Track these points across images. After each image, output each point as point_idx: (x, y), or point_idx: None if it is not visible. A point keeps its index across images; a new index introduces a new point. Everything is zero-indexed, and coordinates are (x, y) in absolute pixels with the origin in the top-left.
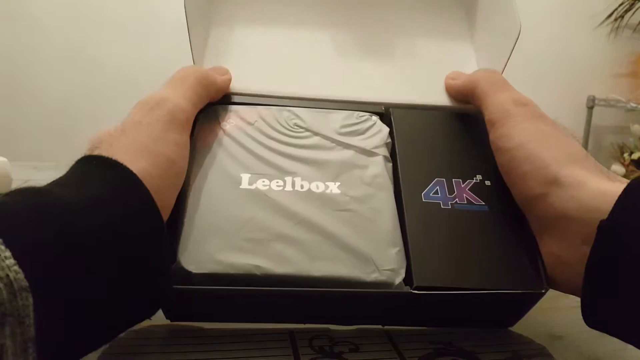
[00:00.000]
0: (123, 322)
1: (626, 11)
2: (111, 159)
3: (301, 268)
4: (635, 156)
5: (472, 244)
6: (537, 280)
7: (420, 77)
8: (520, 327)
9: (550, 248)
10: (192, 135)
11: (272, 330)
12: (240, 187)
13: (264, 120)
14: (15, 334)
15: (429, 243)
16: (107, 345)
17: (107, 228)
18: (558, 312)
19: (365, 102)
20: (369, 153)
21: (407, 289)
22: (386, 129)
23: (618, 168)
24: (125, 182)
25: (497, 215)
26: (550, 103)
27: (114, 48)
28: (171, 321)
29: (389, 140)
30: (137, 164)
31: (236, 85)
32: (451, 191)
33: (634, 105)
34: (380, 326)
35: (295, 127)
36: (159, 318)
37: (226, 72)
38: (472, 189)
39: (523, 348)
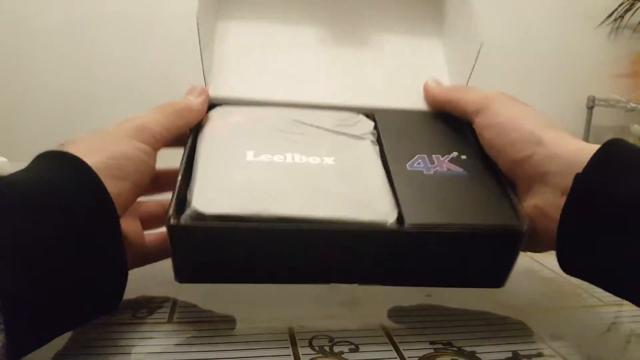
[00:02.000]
0: (84, 311)
1: (626, 11)
2: (62, 152)
3: (304, 211)
4: None
5: (455, 195)
6: (518, 219)
7: (399, 82)
8: (521, 327)
9: (534, 201)
10: (195, 135)
11: (272, 330)
12: (246, 159)
13: (265, 116)
14: None
15: (416, 195)
16: (107, 345)
17: (51, 204)
18: (558, 312)
19: (351, 107)
20: (359, 138)
21: (400, 227)
22: (372, 123)
23: None
24: (71, 165)
25: (475, 178)
26: (550, 103)
27: (114, 49)
28: (180, 282)
29: (375, 131)
30: (91, 158)
31: (229, 94)
32: (432, 162)
33: (634, 105)
34: (379, 326)
35: (293, 121)
36: (159, 318)
37: (202, 91)
38: (451, 161)
39: (523, 348)
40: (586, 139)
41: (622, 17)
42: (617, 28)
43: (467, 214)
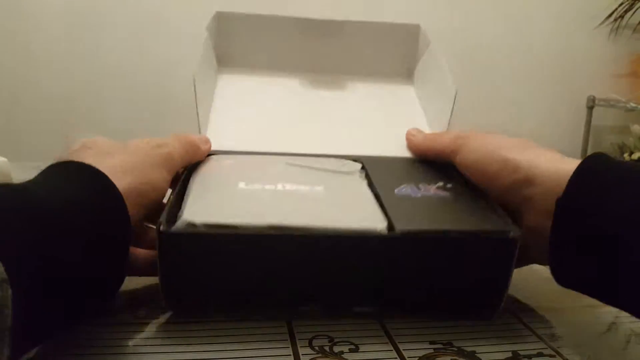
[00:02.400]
0: (87, 307)
1: (626, 11)
2: (96, 170)
3: (297, 220)
4: (635, 156)
5: (445, 210)
6: (510, 225)
7: (383, 131)
8: (521, 327)
9: (525, 223)
10: (189, 171)
11: (272, 330)
12: (238, 187)
13: (257, 160)
14: None
15: (406, 211)
16: (107, 345)
17: (80, 224)
18: (558, 312)
19: (340, 156)
20: (347, 173)
21: (391, 233)
22: (359, 165)
23: None
24: (97, 182)
25: (463, 199)
26: (550, 103)
27: (115, 49)
28: (170, 309)
29: (363, 171)
30: (122, 180)
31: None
32: (419, 189)
33: (634, 105)
34: (379, 326)
35: (285, 163)
36: (159, 318)
37: (207, 141)
38: (437, 189)
39: (523, 348)
40: (586, 139)
41: (622, 17)
42: (617, 28)
43: (458, 222)
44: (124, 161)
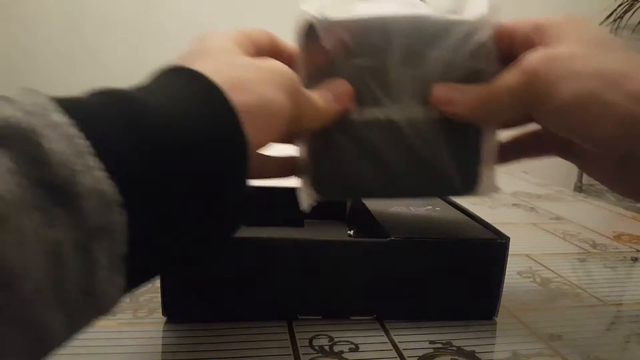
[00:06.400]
0: (206, 238)
1: (625, 12)
2: (214, 87)
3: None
4: None
5: (438, 223)
6: (498, 234)
7: None
8: (521, 327)
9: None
10: None
11: (272, 330)
12: None
13: None
14: (108, 249)
15: (399, 222)
16: (107, 345)
17: (192, 145)
18: (558, 312)
19: None
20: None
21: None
22: None
23: None
24: (213, 100)
25: (453, 215)
26: None
27: (114, 48)
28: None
29: None
30: (209, 64)
31: None
32: (410, 210)
33: None
34: (379, 326)
35: None
36: (159, 318)
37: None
38: (426, 210)
39: (523, 348)
40: None
41: (621, 17)
42: (617, 28)
43: (451, 231)
44: (235, 79)
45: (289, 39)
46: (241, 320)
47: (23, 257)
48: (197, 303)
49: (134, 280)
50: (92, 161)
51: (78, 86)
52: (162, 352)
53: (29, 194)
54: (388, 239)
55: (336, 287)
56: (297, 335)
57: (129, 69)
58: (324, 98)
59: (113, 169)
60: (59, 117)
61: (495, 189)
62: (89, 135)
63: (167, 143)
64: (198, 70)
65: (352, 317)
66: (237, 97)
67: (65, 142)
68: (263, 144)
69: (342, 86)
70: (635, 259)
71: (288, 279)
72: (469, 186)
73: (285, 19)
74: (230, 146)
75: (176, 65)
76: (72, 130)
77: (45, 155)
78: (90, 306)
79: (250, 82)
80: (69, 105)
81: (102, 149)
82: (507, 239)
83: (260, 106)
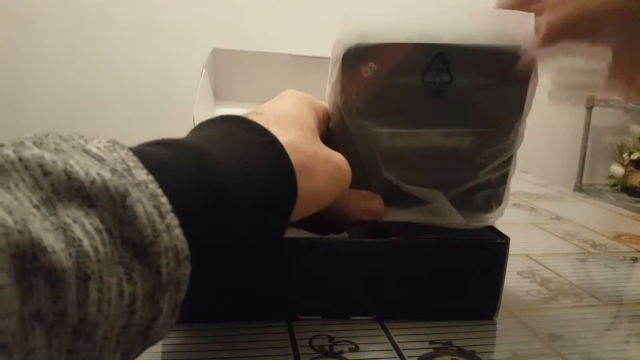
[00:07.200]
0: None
1: None
2: (260, 125)
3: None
4: (634, 156)
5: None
6: (499, 235)
7: None
8: (521, 327)
9: None
10: None
11: (272, 329)
12: None
13: None
14: (172, 299)
15: (403, 225)
16: None
17: (255, 201)
18: (558, 312)
19: None
20: None
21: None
22: None
23: (617, 168)
24: (272, 152)
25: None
26: (549, 103)
27: (115, 48)
28: None
29: None
30: (286, 135)
31: None
32: None
33: (633, 105)
34: (379, 326)
35: None
36: None
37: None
38: None
39: (523, 348)
40: (585, 139)
41: None
42: None
43: (449, 231)
44: (296, 141)
45: (289, 38)
46: (241, 320)
47: (104, 311)
48: (197, 303)
49: (181, 316)
50: (172, 219)
51: (78, 86)
52: (162, 352)
53: (116, 252)
54: (388, 239)
55: (336, 287)
56: (297, 336)
57: (129, 68)
58: (361, 208)
59: (187, 223)
60: (143, 176)
61: (501, 214)
62: (167, 191)
63: (233, 202)
64: (281, 143)
65: (352, 317)
66: (301, 183)
67: (151, 202)
68: (297, 218)
69: (377, 203)
70: (635, 259)
71: (288, 279)
72: (487, 208)
73: (286, 19)
74: (279, 223)
75: (260, 126)
76: (156, 190)
77: (134, 216)
78: (143, 345)
79: (317, 173)
80: (150, 163)
81: (179, 206)
82: (507, 239)
83: (314, 195)
